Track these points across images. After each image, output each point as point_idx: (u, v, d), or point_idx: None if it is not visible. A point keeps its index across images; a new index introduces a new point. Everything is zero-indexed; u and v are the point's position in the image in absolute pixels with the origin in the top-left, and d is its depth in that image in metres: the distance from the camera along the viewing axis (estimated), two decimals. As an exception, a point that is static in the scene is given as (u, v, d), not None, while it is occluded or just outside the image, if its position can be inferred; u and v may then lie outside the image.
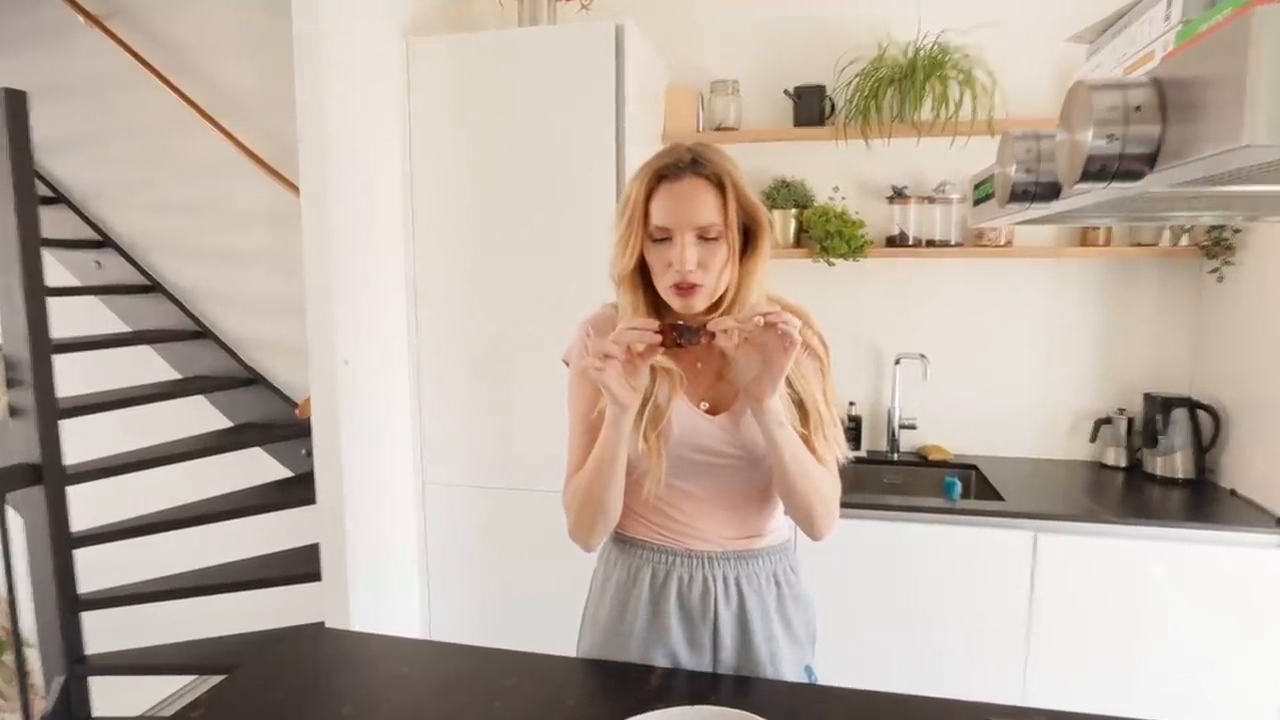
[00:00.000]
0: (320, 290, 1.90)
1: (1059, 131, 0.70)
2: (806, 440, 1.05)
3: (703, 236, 1.01)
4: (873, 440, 2.45)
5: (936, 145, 2.23)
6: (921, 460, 2.32)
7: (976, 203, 1.19)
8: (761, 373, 0.96)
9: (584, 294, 1.89)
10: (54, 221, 2.85)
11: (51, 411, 2.06)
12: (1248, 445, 1.97)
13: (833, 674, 1.15)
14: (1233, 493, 1.99)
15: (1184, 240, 2.14)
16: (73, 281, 2.94)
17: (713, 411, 1.08)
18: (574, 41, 1.96)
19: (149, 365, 2.87)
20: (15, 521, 2.05)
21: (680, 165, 1.01)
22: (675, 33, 2.39)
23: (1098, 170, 0.63)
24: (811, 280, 2.36)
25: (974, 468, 2.25)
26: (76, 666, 2.15)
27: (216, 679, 1.30)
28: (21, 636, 2.10)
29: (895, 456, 2.36)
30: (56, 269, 2.92)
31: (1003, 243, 2.23)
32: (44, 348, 2.03)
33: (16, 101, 1.96)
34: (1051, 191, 0.87)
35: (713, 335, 0.95)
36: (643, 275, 1.07)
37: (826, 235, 2.24)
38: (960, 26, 2.16)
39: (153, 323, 2.89)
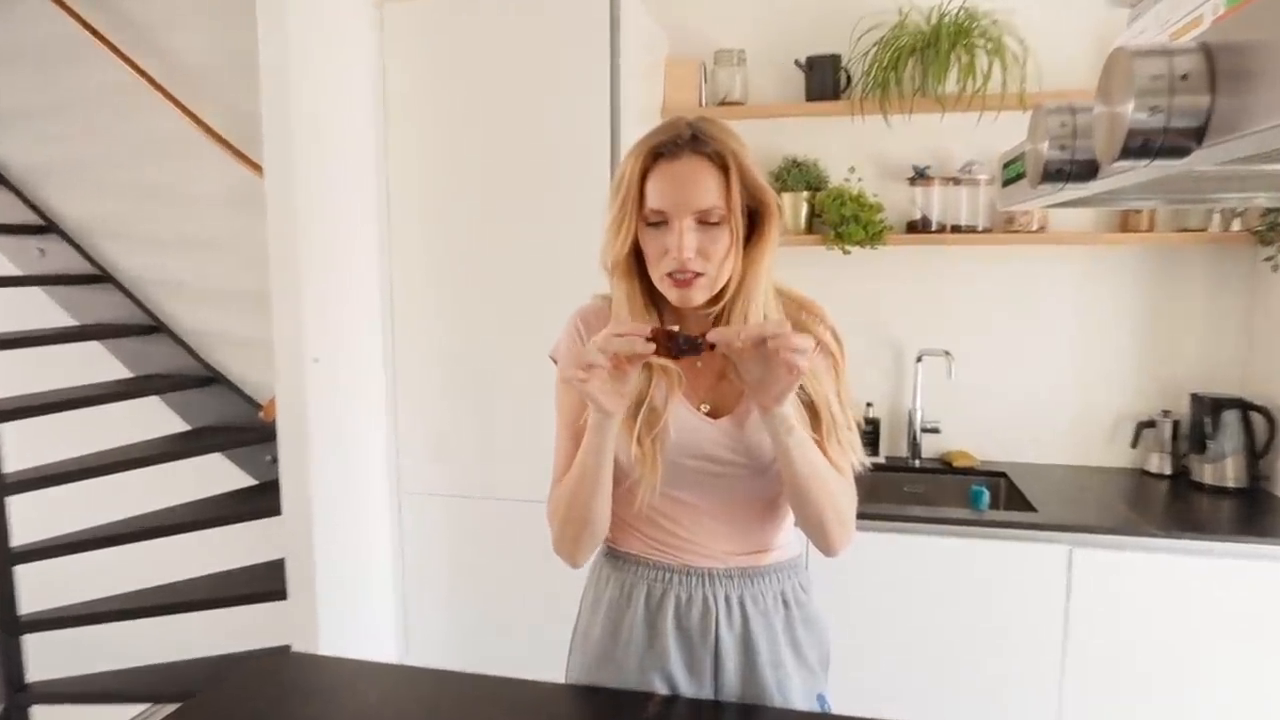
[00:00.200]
0: (286, 280, 1.89)
1: (1097, 104, 0.69)
2: (818, 446, 1.04)
3: (703, 221, 1.00)
4: (892, 445, 2.44)
5: (962, 121, 2.23)
6: (945, 467, 2.32)
7: (1006, 183, 1.18)
8: (766, 386, 0.95)
9: (576, 285, 1.87)
10: (-8, 205, 2.84)
11: (-10, 414, 2.05)
12: (1304, 451, 1.97)
13: (847, 703, 1.14)
14: (1287, 503, 1.99)
15: (1235, 225, 2.14)
16: (13, 271, 2.93)
17: (714, 414, 1.08)
18: (564, 7, 1.96)
19: (98, 363, 2.86)
20: (-50, 535, 2.04)
21: (679, 142, 1.00)
22: (676, -3, 2.39)
23: (1139, 146, 0.62)
24: (825, 270, 2.36)
25: (1003, 475, 2.25)
26: (17, 695, 2.14)
27: (171, 708, 1.29)
28: (-43, 661, 2.09)
29: (917, 463, 2.36)
30: (-5, 257, 2.91)
31: (1035, 228, 2.23)
32: (-19, 344, 2.03)
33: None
34: (1088, 170, 0.86)
35: (713, 345, 0.94)
36: (637, 263, 1.06)
37: (841, 220, 2.23)
38: (989, -10, 2.16)
39: (102, 316, 2.88)
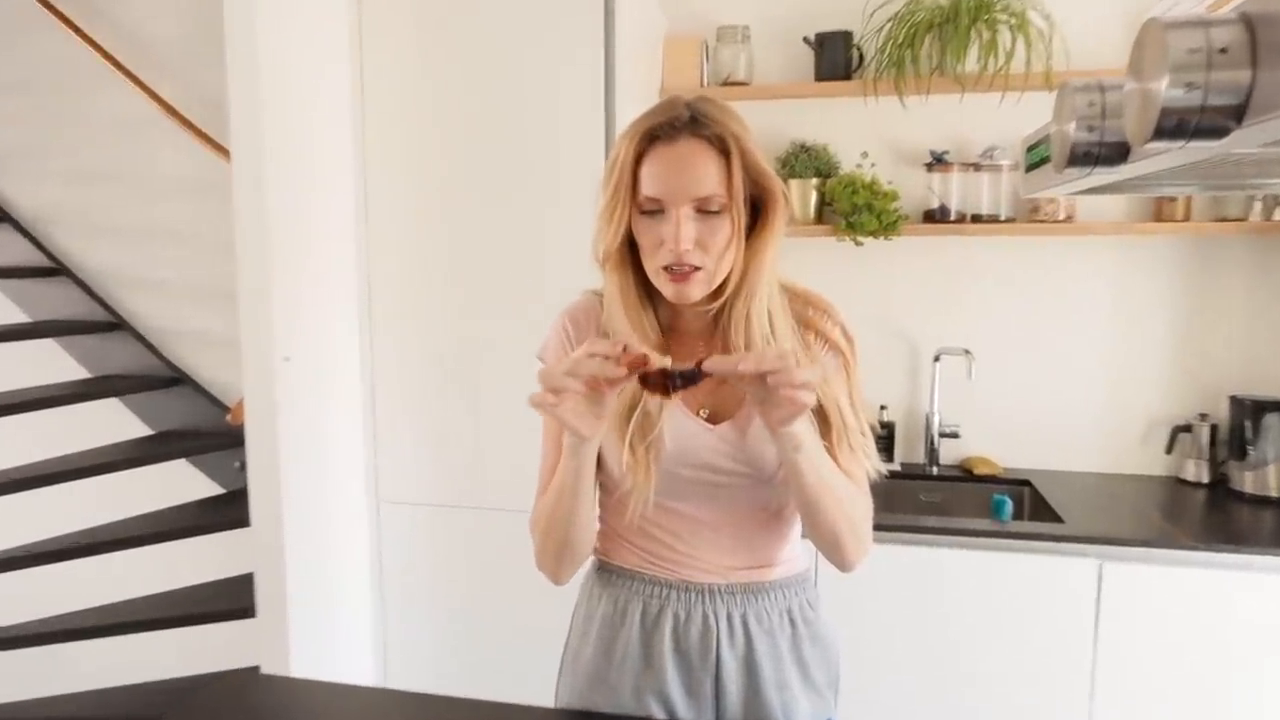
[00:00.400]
0: (255, 273, 1.88)
1: (1128, 80, 0.69)
2: (828, 453, 1.04)
3: (702, 210, 0.99)
4: (908, 451, 2.44)
5: (983, 102, 2.23)
6: (965, 475, 2.32)
7: (1030, 168, 1.18)
8: (768, 411, 0.92)
9: (568, 279, 1.87)
10: (-63, 193, 2.83)
11: (-65, 417, 2.04)
12: (1350, 457, 1.97)
13: (859, 728, 1.14)
14: (1333, 513, 1.99)
15: (1278, 214, 2.13)
16: (-40, 264, 2.92)
17: (714, 419, 1.07)
18: (555, -21, 1.96)
19: (52, 362, 2.85)
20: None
21: (676, 123, 1.00)
22: (675, -31, 2.39)
23: (1174, 126, 0.62)
24: (835, 262, 2.36)
25: (1027, 484, 2.25)
26: (-35, 719, 2.13)
27: (128, 735, 1.28)
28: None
29: (934, 470, 2.36)
30: (-59, 249, 2.90)
31: (1062, 217, 2.23)
32: (-75, 341, 2.02)
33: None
34: (1119, 153, 0.86)
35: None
36: (632, 254, 1.06)
37: (853, 209, 2.23)
38: (1012, -38, 2.16)
39: (57, 312, 2.87)
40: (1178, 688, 1.83)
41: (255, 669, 1.99)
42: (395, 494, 2.20)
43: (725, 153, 0.99)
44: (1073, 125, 0.87)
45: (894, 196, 2.25)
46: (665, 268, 1.01)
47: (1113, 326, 2.32)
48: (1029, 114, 2.16)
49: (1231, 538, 1.85)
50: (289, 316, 1.94)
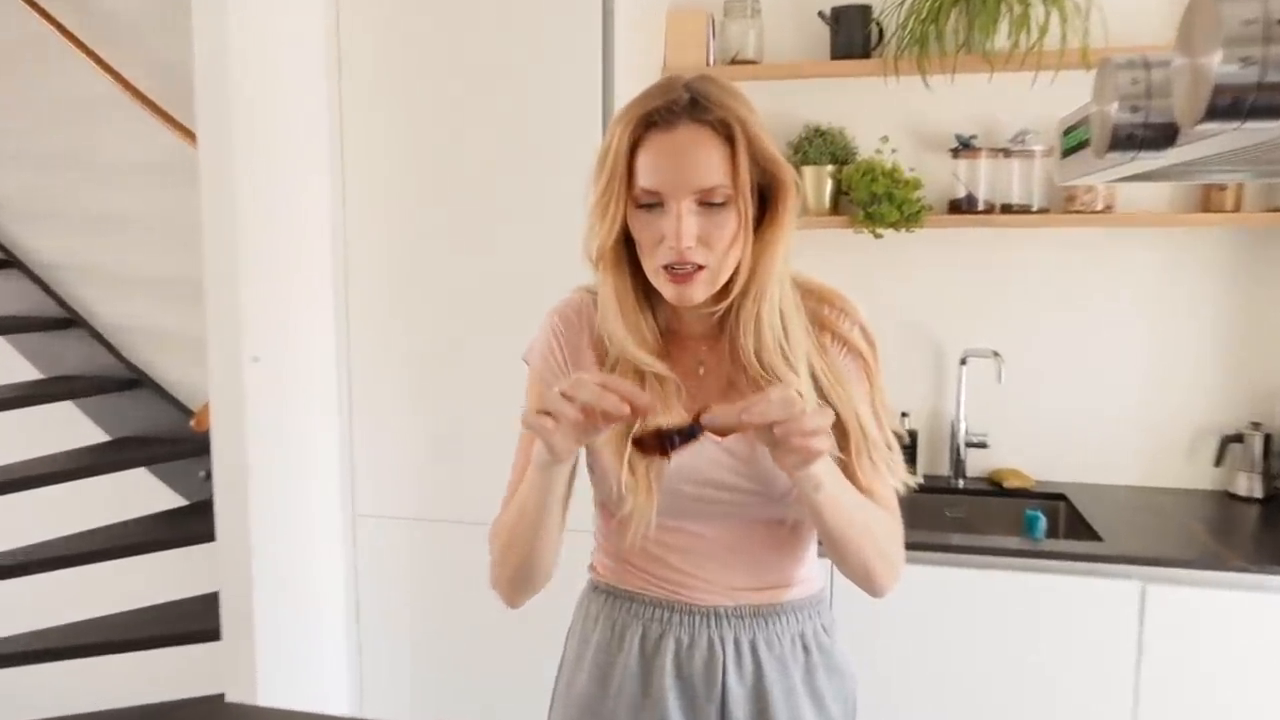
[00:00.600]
0: (222, 266, 1.88)
1: (1176, 56, 0.68)
2: (847, 470, 1.03)
3: (704, 202, 0.98)
4: (931, 462, 2.43)
5: (1015, 82, 2.22)
6: (995, 488, 2.32)
7: (1066, 154, 1.17)
8: (780, 458, 0.90)
9: (561, 276, 1.87)
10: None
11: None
12: None
13: (878, 766, 1.13)
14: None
15: (1335, 205, 2.13)
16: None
17: (721, 432, 1.06)
18: (549, -53, 1.96)
19: (1, 362, 2.85)
20: None
21: (675, 107, 0.98)
22: (680, -63, 2.38)
23: (1228, 105, 0.61)
24: (853, 256, 2.35)
25: (1063, 498, 2.24)
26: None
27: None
28: None
29: (960, 483, 2.35)
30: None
31: (1100, 207, 2.22)
32: None
33: None
34: (1165, 136, 0.85)
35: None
36: (628, 252, 1.05)
37: (872, 199, 2.23)
38: (1047, -71, 2.15)
39: (6, 307, 2.87)
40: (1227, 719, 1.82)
41: (220, 697, 1.99)
42: (373, 507, 2.20)
43: (729, 138, 0.98)
44: (1115, 105, 0.86)
45: (916, 185, 2.25)
46: (665, 267, 0.99)
47: (1156, 326, 2.31)
48: (1064, 94, 2.15)
49: (1285, 558, 1.84)
50: (259, 313, 1.94)
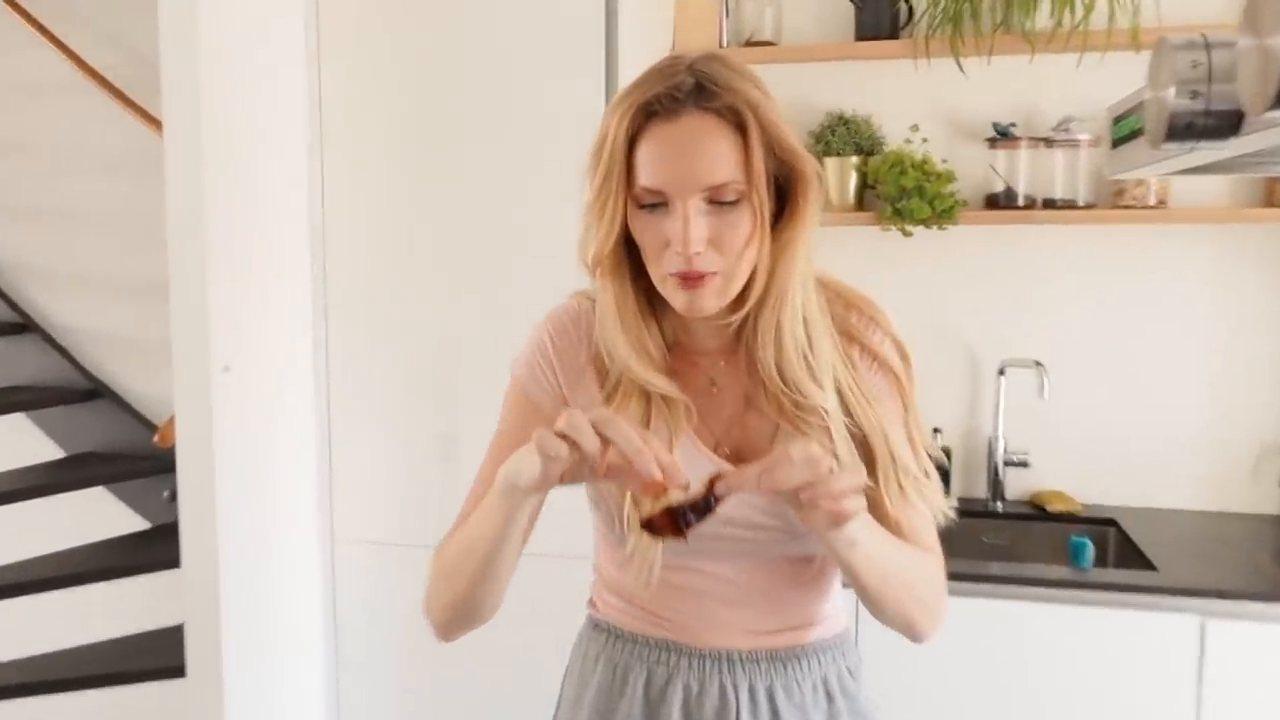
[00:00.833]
0: (190, 267, 1.89)
1: (1241, 36, 0.67)
2: (874, 497, 1.00)
3: (715, 201, 0.95)
4: (967, 483, 2.42)
5: (1057, 66, 2.21)
6: (1037, 512, 2.31)
7: (1117, 144, 1.17)
8: (809, 520, 0.88)
9: (558, 279, 1.88)
10: None
11: None
12: None
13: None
14: None
15: None
16: None
17: (736, 458, 1.04)
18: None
19: (-51, 372, 2.86)
20: None
21: (678, 94, 0.95)
22: (691, -93, 2.39)
23: (1301, 91, 0.60)
24: (880, 256, 2.35)
25: (1113, 523, 2.23)
26: None
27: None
28: None
29: (999, 506, 2.34)
30: None
31: (1152, 202, 2.21)
32: None
33: None
34: (1228, 125, 0.84)
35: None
36: (630, 256, 1.02)
37: (901, 193, 2.22)
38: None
39: (-46, 312, 2.88)
40: (1294, 771, 1.80)
41: (184, 739, 1.98)
42: (353, 531, 2.20)
43: (741, 127, 0.95)
44: (1172, 91, 0.85)
45: (950, 178, 2.24)
46: (674, 273, 0.97)
47: (1215, 333, 2.30)
48: (1113, 78, 2.14)
49: (1361, 590, 1.83)
50: (229, 318, 1.95)
